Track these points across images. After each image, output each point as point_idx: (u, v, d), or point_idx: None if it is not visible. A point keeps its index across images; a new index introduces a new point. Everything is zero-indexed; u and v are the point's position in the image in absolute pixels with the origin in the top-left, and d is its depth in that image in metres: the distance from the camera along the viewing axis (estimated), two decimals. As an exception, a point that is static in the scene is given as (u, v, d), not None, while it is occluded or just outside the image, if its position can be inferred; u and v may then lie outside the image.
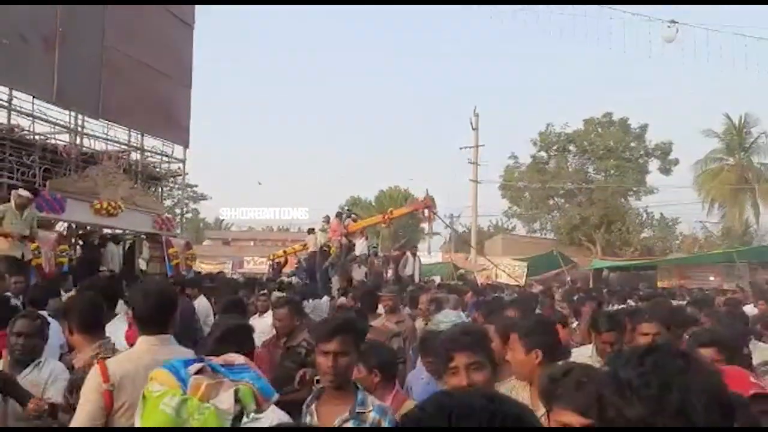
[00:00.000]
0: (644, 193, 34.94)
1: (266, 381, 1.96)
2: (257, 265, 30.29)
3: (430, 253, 33.05)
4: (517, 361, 2.89)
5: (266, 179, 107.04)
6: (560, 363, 2.32)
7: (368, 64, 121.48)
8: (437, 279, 18.46)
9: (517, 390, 2.85)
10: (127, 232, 14.41)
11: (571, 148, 35.30)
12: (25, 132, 12.19)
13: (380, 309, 6.51)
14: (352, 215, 18.60)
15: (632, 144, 34.52)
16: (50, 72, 11.59)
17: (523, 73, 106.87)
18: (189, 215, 42.52)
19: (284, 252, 20.64)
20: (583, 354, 3.88)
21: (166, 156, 16.03)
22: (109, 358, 2.82)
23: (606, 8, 18.14)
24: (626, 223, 33.65)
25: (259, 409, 1.85)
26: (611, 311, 5.41)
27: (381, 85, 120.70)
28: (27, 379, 3.45)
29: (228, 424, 1.80)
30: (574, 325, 6.47)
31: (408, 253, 16.05)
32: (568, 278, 22.08)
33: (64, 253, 11.02)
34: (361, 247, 15.68)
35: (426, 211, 19.26)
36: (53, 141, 12.95)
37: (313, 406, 2.70)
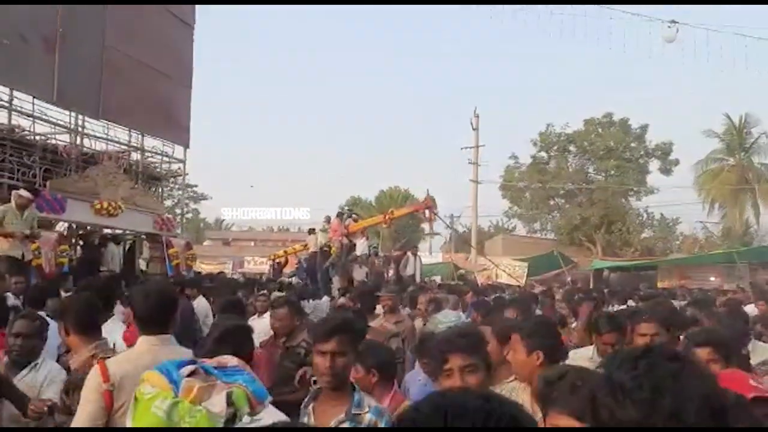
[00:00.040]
0: (645, 193, 34.89)
1: (260, 383, 1.93)
2: (257, 265, 30.29)
3: (432, 253, 33.09)
4: (519, 362, 2.88)
5: (266, 179, 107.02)
6: (556, 366, 2.31)
7: (368, 64, 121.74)
8: (438, 279, 18.47)
9: (518, 391, 2.84)
10: (127, 232, 14.42)
11: (572, 148, 35.27)
12: (26, 132, 12.21)
13: (379, 309, 6.51)
14: (353, 215, 18.58)
15: (633, 144, 34.47)
16: (50, 72, 11.60)
17: (523, 73, 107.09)
18: (189, 215, 42.53)
19: (285, 252, 20.63)
20: (585, 355, 3.86)
21: (167, 156, 16.03)
22: (106, 358, 2.81)
23: (606, 8, 18.08)
24: (627, 223, 33.62)
25: (253, 412, 1.82)
26: (612, 312, 5.39)
27: (381, 85, 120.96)
28: (23, 381, 3.43)
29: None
30: (573, 325, 6.46)
31: (409, 253, 16.05)
32: (569, 278, 22.07)
33: (64, 254, 11.04)
34: (361, 247, 15.67)
35: (427, 211, 19.24)
36: (54, 141, 12.97)
37: (310, 407, 2.68)
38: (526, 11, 18.59)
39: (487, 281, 20.37)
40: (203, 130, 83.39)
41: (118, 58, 13.20)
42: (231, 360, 2.00)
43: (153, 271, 13.64)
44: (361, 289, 8.32)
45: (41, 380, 3.45)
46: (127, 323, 4.72)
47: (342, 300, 9.30)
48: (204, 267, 24.31)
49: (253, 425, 1.86)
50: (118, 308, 5.37)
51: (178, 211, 19.71)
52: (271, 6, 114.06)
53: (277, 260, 20.16)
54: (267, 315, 6.23)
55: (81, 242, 13.58)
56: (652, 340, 3.45)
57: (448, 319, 5.75)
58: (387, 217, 19.59)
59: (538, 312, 8.02)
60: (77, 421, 2.57)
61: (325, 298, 10.80)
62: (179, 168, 16.33)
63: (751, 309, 8.65)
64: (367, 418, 2.54)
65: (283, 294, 7.67)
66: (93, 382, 2.60)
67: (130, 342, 3.86)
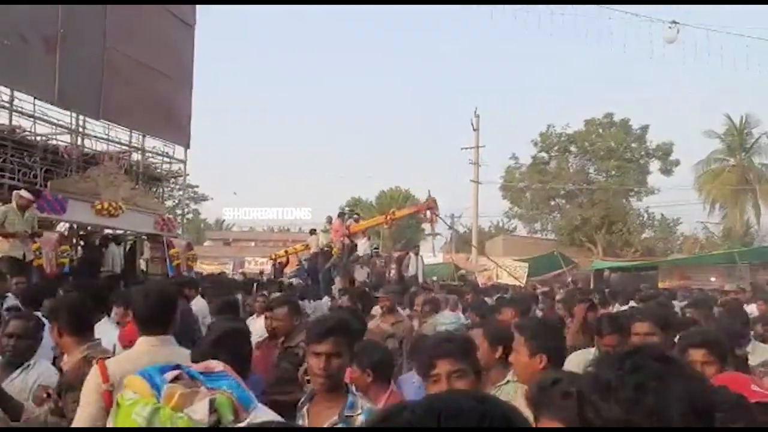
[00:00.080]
0: (645, 193, 34.91)
1: (246, 389, 1.88)
2: (258, 265, 30.29)
3: (435, 254, 33.06)
4: (521, 364, 2.81)
5: (267, 179, 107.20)
6: (550, 372, 2.28)
7: (368, 64, 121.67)
8: (434, 279, 18.48)
9: (518, 393, 2.77)
10: (128, 232, 14.41)
11: (572, 148, 35.30)
12: (27, 133, 12.21)
13: (377, 310, 6.51)
14: (355, 215, 18.59)
15: (633, 145, 34.50)
16: (51, 73, 11.59)
17: (523, 73, 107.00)
18: (190, 216, 42.56)
19: (285, 252, 20.63)
20: (586, 358, 3.86)
21: (167, 157, 16.03)
22: (105, 358, 2.80)
23: (606, 8, 18.04)
24: (627, 223, 33.62)
25: (237, 420, 1.75)
26: (613, 313, 5.36)
27: (381, 85, 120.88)
28: (14, 382, 3.38)
29: None
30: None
31: (411, 253, 16.05)
32: (569, 279, 22.07)
33: (65, 254, 11.04)
34: (363, 247, 15.66)
35: (428, 212, 19.24)
36: (54, 142, 12.97)
37: (304, 409, 2.66)
38: (526, 11, 18.56)
39: (487, 281, 20.38)
40: (203, 130, 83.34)
41: (119, 58, 13.20)
42: (217, 365, 1.94)
43: (154, 271, 13.63)
44: (356, 290, 8.29)
45: (32, 382, 3.40)
46: (124, 323, 4.72)
47: (342, 300, 9.32)
48: (205, 267, 24.33)
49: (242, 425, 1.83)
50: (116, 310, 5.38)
51: (178, 211, 19.71)
52: (271, 6, 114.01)
53: (278, 260, 20.16)
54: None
55: (82, 243, 13.58)
56: (645, 340, 3.42)
57: (448, 320, 5.76)
58: (388, 218, 19.59)
59: (539, 313, 8.04)
60: (77, 422, 2.57)
61: (326, 299, 10.80)
62: (180, 168, 16.33)
63: (752, 309, 8.67)
64: (360, 420, 2.50)
65: (281, 294, 7.65)
66: (93, 382, 2.60)
67: (124, 342, 3.84)
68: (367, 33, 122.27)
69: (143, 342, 2.79)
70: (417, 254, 16.11)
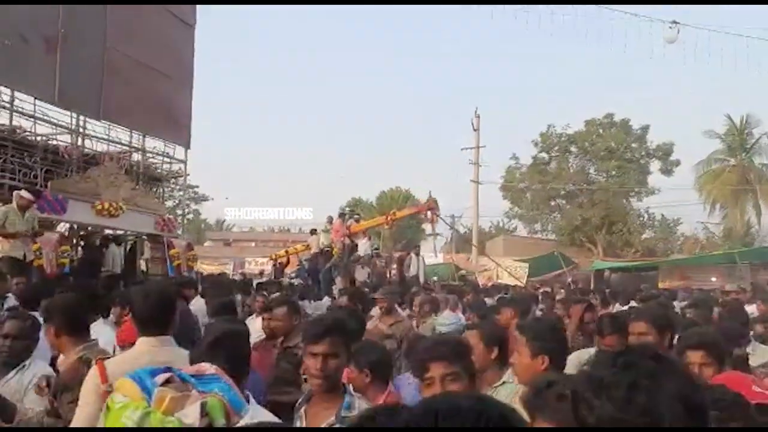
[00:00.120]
0: (646, 194, 34.87)
1: (237, 392, 1.85)
2: (259, 266, 30.30)
3: (437, 254, 33.05)
4: (522, 365, 2.79)
5: (267, 180, 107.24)
6: (547, 374, 2.27)
7: (368, 64, 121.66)
8: (434, 279, 18.48)
9: (518, 394, 2.77)
10: (128, 233, 14.42)
11: (573, 149, 35.26)
12: (27, 133, 12.22)
13: (376, 311, 6.50)
14: (355, 216, 18.59)
15: (633, 145, 34.46)
16: (51, 73, 11.59)
17: (523, 73, 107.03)
18: (190, 216, 42.56)
19: (286, 252, 20.63)
20: (585, 358, 3.85)
21: (168, 157, 16.04)
22: (98, 359, 2.77)
23: (606, 8, 18.06)
24: (627, 224, 33.60)
25: (228, 423, 1.73)
26: (614, 314, 5.35)
27: (381, 85, 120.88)
28: (9, 383, 3.36)
29: None
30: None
31: (412, 254, 16.05)
32: (569, 279, 22.08)
33: (65, 254, 11.05)
34: (364, 248, 15.65)
35: (429, 213, 19.24)
36: (55, 142, 12.98)
37: (302, 409, 2.65)
38: (527, 11, 18.55)
39: (488, 282, 20.40)
40: (203, 130, 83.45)
41: (119, 58, 13.20)
42: (209, 368, 1.91)
43: (154, 271, 13.63)
44: (354, 291, 8.27)
45: (26, 382, 3.36)
46: (122, 322, 4.71)
47: (342, 300, 9.30)
48: (205, 268, 24.33)
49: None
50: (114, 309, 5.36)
51: (179, 211, 19.70)
52: (271, 6, 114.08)
53: (279, 260, 20.16)
54: (262, 316, 6.19)
55: (82, 243, 13.59)
56: (640, 339, 3.41)
57: (447, 321, 5.75)
58: (389, 218, 19.60)
59: (539, 313, 8.03)
60: (76, 422, 2.56)
61: (326, 299, 10.79)
62: (180, 168, 16.33)
63: (752, 309, 8.66)
64: None
65: (280, 294, 7.64)
66: (91, 383, 2.59)
67: (121, 341, 3.83)
68: (368, 33, 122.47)
69: (143, 342, 2.79)
70: (418, 254, 16.12)
